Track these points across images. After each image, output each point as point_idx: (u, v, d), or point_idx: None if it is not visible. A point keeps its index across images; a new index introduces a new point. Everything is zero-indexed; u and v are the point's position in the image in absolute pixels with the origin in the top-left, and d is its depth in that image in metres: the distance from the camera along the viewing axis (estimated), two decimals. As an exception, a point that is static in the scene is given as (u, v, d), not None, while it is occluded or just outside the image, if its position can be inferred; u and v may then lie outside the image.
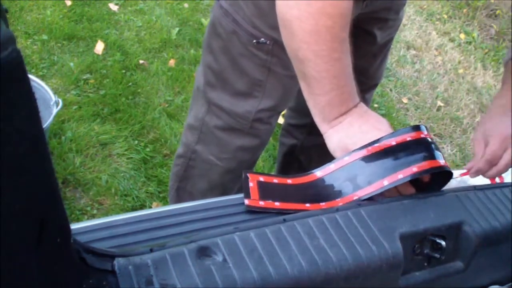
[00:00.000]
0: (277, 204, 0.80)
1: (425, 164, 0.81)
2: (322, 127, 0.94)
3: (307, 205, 0.81)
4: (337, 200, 0.82)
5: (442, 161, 0.84)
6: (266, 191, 0.82)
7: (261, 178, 0.84)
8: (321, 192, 0.85)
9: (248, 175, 0.84)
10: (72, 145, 2.09)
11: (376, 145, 0.84)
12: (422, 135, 0.86)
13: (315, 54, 0.87)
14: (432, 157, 0.83)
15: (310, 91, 0.92)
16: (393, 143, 0.84)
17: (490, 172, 1.10)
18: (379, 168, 0.83)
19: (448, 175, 0.85)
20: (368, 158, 0.84)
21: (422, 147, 0.84)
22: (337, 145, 0.91)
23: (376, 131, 0.89)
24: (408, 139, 0.84)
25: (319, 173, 0.86)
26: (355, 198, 0.81)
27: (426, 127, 0.88)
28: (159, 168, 2.11)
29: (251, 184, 0.82)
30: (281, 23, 0.91)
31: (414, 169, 0.81)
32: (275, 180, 0.86)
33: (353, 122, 0.91)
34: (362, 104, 0.94)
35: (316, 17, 0.85)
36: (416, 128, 0.86)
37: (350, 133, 0.90)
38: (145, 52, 2.73)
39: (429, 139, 0.86)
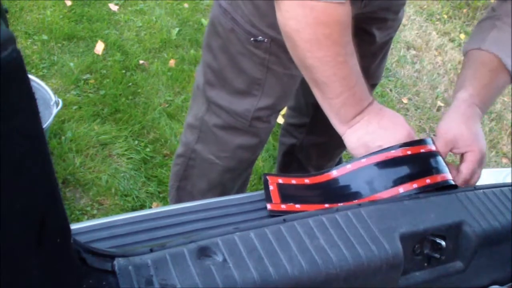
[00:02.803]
0: (297, 206, 0.82)
1: (437, 177, 0.86)
2: (340, 128, 0.95)
3: (326, 205, 0.83)
4: (354, 201, 0.84)
5: (449, 175, 0.88)
6: (285, 193, 0.84)
7: (280, 180, 0.86)
8: (338, 192, 0.86)
9: (267, 177, 0.86)
10: (72, 145, 2.09)
11: (392, 151, 0.87)
12: (433, 149, 0.90)
13: (320, 61, 0.89)
14: (442, 171, 0.88)
15: (323, 96, 0.94)
16: (409, 152, 0.87)
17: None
18: (395, 175, 0.86)
19: (453, 187, 0.88)
20: (384, 164, 0.87)
21: (434, 160, 0.88)
22: (357, 143, 0.93)
23: (394, 126, 0.91)
24: (422, 150, 0.88)
25: (335, 172, 0.88)
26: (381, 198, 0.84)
27: (433, 140, 0.92)
28: (159, 168, 2.11)
29: (271, 188, 0.84)
30: (283, 35, 0.93)
31: (428, 180, 0.85)
32: (293, 181, 0.87)
33: (371, 119, 0.92)
34: (376, 102, 0.95)
35: (313, 27, 0.87)
36: (427, 141, 0.90)
37: (370, 130, 0.92)
38: (145, 52, 2.73)
39: (439, 153, 0.91)
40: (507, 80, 1.07)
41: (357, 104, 0.92)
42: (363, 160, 0.87)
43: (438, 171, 0.87)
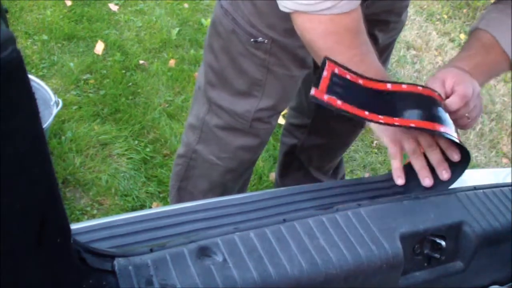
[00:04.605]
0: (339, 102, 0.84)
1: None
2: None
3: (366, 113, 0.85)
4: (395, 118, 0.86)
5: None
6: (335, 84, 0.86)
7: (336, 70, 0.88)
8: (383, 105, 0.88)
9: (326, 61, 0.87)
10: (72, 145, 2.09)
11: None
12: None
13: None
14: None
15: None
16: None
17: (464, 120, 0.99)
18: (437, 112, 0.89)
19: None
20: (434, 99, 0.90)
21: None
22: (382, 127, 0.96)
23: None
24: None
25: (390, 85, 0.90)
26: (411, 125, 0.86)
27: None
28: (159, 168, 2.11)
29: (325, 74, 0.86)
30: (304, 44, 1.02)
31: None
32: (348, 76, 0.89)
33: None
34: None
35: (324, 37, 0.95)
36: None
37: None
38: (145, 52, 2.73)
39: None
40: (501, 60, 1.07)
41: None
42: (419, 87, 0.90)
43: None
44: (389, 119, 0.86)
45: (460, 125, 0.97)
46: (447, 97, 0.95)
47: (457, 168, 0.91)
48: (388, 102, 0.88)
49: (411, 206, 0.79)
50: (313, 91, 0.83)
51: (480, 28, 1.08)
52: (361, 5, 1.13)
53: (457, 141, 0.88)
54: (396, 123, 0.86)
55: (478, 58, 1.06)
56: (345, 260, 0.67)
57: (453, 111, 0.93)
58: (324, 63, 0.87)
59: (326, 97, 0.84)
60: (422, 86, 0.91)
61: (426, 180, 0.91)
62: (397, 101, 0.88)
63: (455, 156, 0.91)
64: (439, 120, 0.88)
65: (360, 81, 0.89)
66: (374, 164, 2.46)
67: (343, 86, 0.87)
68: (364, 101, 0.87)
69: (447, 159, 0.92)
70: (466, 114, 0.96)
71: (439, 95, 0.92)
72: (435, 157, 0.92)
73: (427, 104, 0.89)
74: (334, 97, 0.84)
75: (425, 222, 0.77)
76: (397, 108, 0.87)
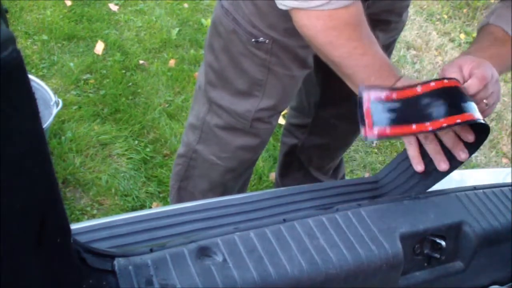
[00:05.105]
0: (387, 131, 0.86)
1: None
2: None
3: (414, 127, 0.85)
4: (440, 120, 0.84)
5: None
6: (376, 113, 0.87)
7: (372, 96, 0.89)
8: (423, 109, 0.87)
9: (364, 91, 0.88)
10: (72, 145, 2.09)
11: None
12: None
13: (340, 58, 0.97)
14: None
15: (353, 84, 1.00)
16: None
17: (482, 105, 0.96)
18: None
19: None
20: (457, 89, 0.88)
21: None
22: None
23: None
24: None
25: (419, 88, 0.88)
26: (457, 120, 0.84)
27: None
28: (159, 168, 2.11)
29: (365, 105, 0.87)
30: (305, 40, 1.02)
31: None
32: (382, 96, 0.89)
33: None
34: (404, 77, 0.98)
35: (324, 32, 0.96)
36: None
37: None
38: (145, 52, 2.73)
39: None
40: None
41: (384, 83, 0.96)
42: (445, 80, 0.88)
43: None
44: (435, 123, 0.84)
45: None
46: (465, 82, 0.94)
47: (471, 148, 0.91)
48: (426, 105, 0.86)
49: (411, 206, 0.79)
50: (362, 132, 0.85)
51: (490, 23, 1.09)
52: (362, 4, 1.14)
53: (483, 122, 0.86)
54: (444, 125, 0.84)
55: (493, 49, 1.06)
56: (345, 260, 0.67)
57: (471, 94, 0.92)
58: (361, 94, 0.87)
59: (376, 131, 0.85)
60: (448, 79, 0.89)
61: (442, 165, 0.90)
62: (432, 101, 0.86)
63: (470, 137, 0.91)
64: (470, 108, 0.86)
65: (394, 95, 0.89)
66: (374, 164, 2.46)
67: (382, 111, 0.87)
68: (405, 115, 0.87)
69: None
70: (485, 101, 0.94)
71: (458, 81, 0.91)
72: (449, 139, 0.91)
73: (456, 96, 0.87)
74: (381, 127, 0.86)
75: (425, 222, 0.77)
76: (434, 109, 0.86)
